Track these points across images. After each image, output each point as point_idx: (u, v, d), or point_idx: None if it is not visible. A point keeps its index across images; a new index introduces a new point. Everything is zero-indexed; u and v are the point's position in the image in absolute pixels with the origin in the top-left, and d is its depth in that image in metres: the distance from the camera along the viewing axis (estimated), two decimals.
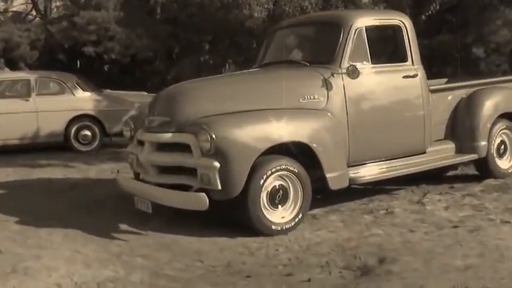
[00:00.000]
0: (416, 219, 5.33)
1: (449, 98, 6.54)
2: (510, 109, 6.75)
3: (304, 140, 5.08)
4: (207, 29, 25.75)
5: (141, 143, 5.56)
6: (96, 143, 11.32)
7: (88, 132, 11.24)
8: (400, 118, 5.90)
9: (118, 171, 6.43)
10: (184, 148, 5.02)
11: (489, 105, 6.55)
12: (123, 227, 5.33)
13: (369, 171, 5.67)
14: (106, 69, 24.68)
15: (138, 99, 13.07)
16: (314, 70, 5.55)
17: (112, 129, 11.35)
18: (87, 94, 11.42)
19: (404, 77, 5.93)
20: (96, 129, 11.29)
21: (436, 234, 4.84)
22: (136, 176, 5.90)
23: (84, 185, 7.66)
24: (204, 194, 4.72)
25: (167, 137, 5.14)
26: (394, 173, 5.80)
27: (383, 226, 5.16)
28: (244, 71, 6.31)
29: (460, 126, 6.51)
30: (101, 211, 6.03)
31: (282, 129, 5.04)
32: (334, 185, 5.29)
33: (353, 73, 5.40)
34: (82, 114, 11.20)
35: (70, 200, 6.61)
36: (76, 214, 5.93)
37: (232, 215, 5.08)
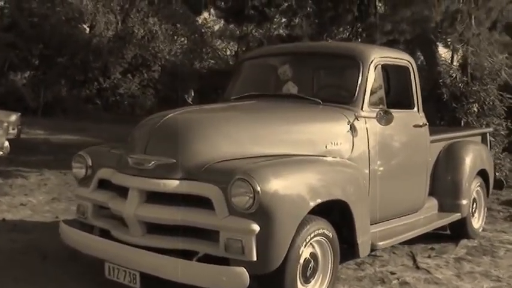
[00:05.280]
0: None
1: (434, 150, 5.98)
2: (484, 166, 6.39)
3: (344, 197, 4.08)
4: (49, 42, 23.44)
5: (115, 188, 4.12)
6: None
7: None
8: (411, 171, 5.19)
9: (62, 220, 4.74)
10: (191, 201, 3.74)
11: (469, 162, 6.08)
12: None
13: (385, 233, 4.82)
14: None
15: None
16: (337, 111, 4.59)
17: None
18: None
19: (415, 126, 5.24)
20: None
21: None
22: (87, 230, 4.40)
23: None
24: (243, 268, 3.47)
25: (173, 185, 3.76)
26: (407, 234, 5.02)
27: None
28: (243, 103, 4.97)
29: (442, 183, 5.95)
30: (31, 277, 4.36)
31: (327, 184, 3.98)
32: (363, 252, 4.35)
33: (385, 118, 4.55)
34: None
35: None
36: None
37: None
